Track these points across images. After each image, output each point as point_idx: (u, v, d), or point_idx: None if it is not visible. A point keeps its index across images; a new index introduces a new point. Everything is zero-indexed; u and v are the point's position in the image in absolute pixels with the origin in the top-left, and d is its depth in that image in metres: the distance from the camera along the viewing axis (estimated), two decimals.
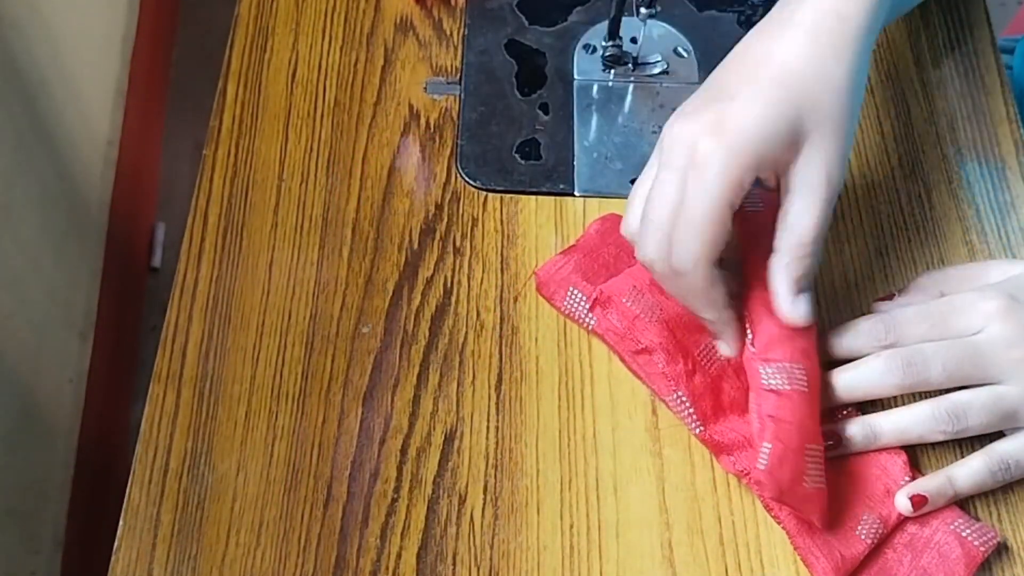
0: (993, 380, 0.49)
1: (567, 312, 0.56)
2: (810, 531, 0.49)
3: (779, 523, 0.50)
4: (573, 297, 0.55)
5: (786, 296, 0.49)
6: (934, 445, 0.52)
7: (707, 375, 0.52)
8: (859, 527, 0.49)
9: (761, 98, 0.47)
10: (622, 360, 0.54)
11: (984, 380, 0.49)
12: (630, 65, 0.65)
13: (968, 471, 0.50)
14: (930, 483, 0.49)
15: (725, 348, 0.52)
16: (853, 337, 0.52)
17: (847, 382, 0.51)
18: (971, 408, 0.49)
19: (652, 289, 0.53)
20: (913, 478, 0.50)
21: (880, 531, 0.49)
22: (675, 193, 0.47)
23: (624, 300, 0.53)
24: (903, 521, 0.49)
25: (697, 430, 0.51)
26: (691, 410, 0.51)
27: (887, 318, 0.51)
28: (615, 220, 0.58)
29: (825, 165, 0.47)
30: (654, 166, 0.50)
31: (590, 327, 0.55)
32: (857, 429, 0.51)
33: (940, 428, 0.50)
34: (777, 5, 0.51)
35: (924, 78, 0.66)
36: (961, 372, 0.49)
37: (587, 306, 0.55)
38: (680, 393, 0.51)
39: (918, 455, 0.52)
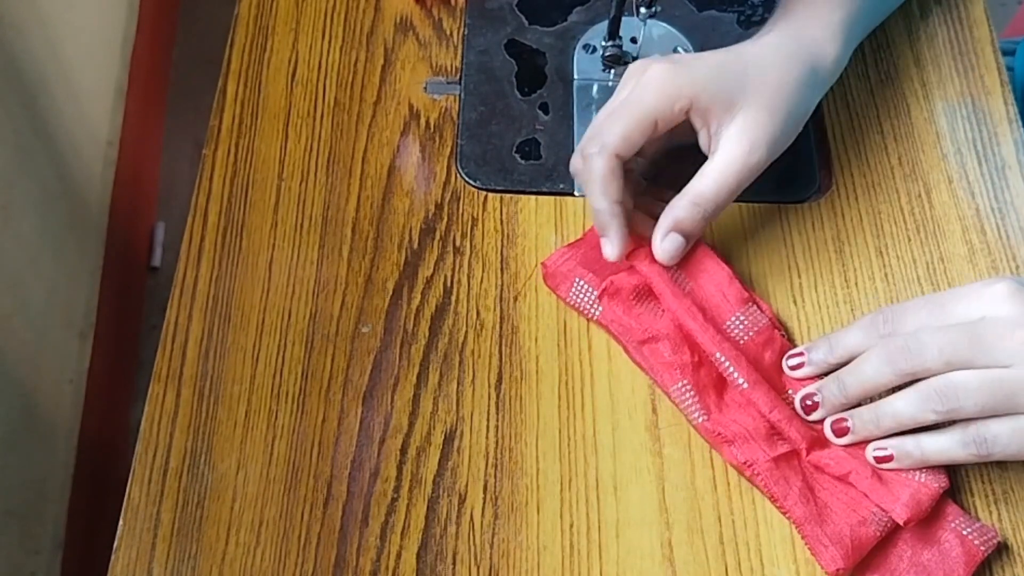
0: (995, 364, 0.47)
1: (573, 303, 0.56)
2: (819, 520, 0.49)
3: (785, 514, 0.50)
4: (579, 288, 0.55)
5: (661, 231, 0.54)
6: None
7: (713, 369, 0.52)
8: (868, 519, 0.49)
9: (715, 56, 0.54)
10: (626, 351, 0.55)
11: (986, 365, 0.47)
12: (630, 65, 0.65)
13: (938, 441, 0.49)
14: (899, 442, 0.50)
15: (608, 247, 0.54)
16: (851, 334, 0.52)
17: (847, 383, 0.51)
18: (966, 389, 0.47)
19: (658, 288, 0.54)
20: (926, 483, 0.50)
21: (888, 524, 0.49)
22: (620, 97, 0.54)
23: (630, 296, 0.54)
24: (906, 520, 0.49)
25: (700, 419, 0.51)
26: (696, 399, 0.51)
27: (885, 311, 0.51)
28: None
29: (750, 134, 0.53)
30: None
31: (595, 317, 0.55)
32: (858, 420, 0.51)
33: (930, 408, 0.48)
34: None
35: (924, 78, 0.66)
36: (959, 357, 0.47)
37: (594, 296, 0.55)
38: (685, 382, 0.52)
39: None
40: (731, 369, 0.52)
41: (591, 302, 0.55)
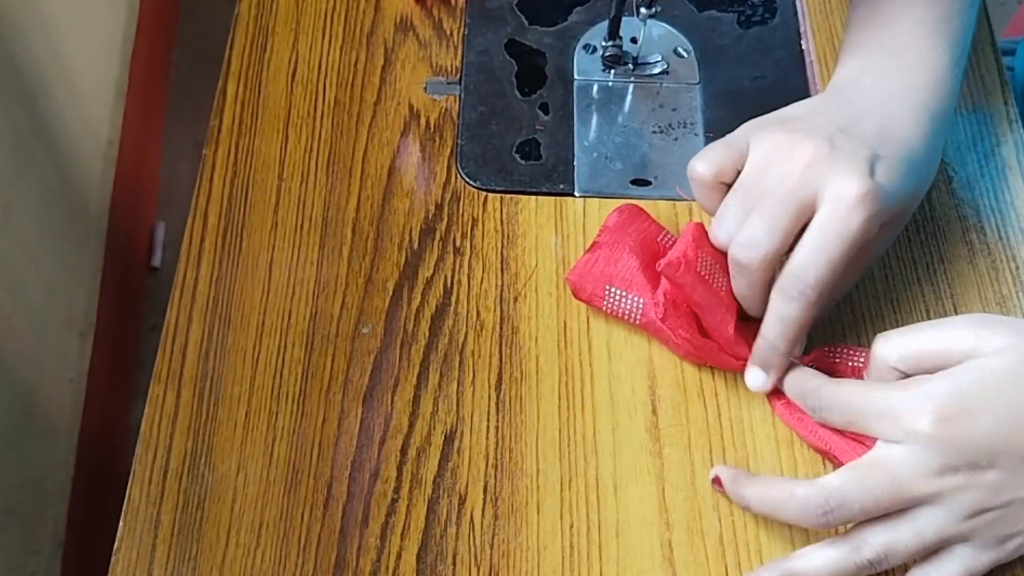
0: (915, 504, 0.46)
1: (610, 310, 0.55)
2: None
3: (824, 450, 0.51)
4: (612, 295, 0.55)
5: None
6: None
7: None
8: None
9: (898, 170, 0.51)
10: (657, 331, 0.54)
11: (905, 505, 0.46)
12: (630, 65, 0.65)
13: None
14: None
15: (760, 380, 0.53)
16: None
17: (767, 502, 0.48)
18: (894, 548, 0.46)
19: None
20: None
21: None
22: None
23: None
24: None
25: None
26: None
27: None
28: (631, 211, 0.56)
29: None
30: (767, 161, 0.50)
31: (638, 321, 0.55)
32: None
33: (853, 561, 0.46)
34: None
35: None
36: (881, 510, 0.46)
37: (634, 303, 0.54)
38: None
39: None
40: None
41: (631, 309, 0.54)
